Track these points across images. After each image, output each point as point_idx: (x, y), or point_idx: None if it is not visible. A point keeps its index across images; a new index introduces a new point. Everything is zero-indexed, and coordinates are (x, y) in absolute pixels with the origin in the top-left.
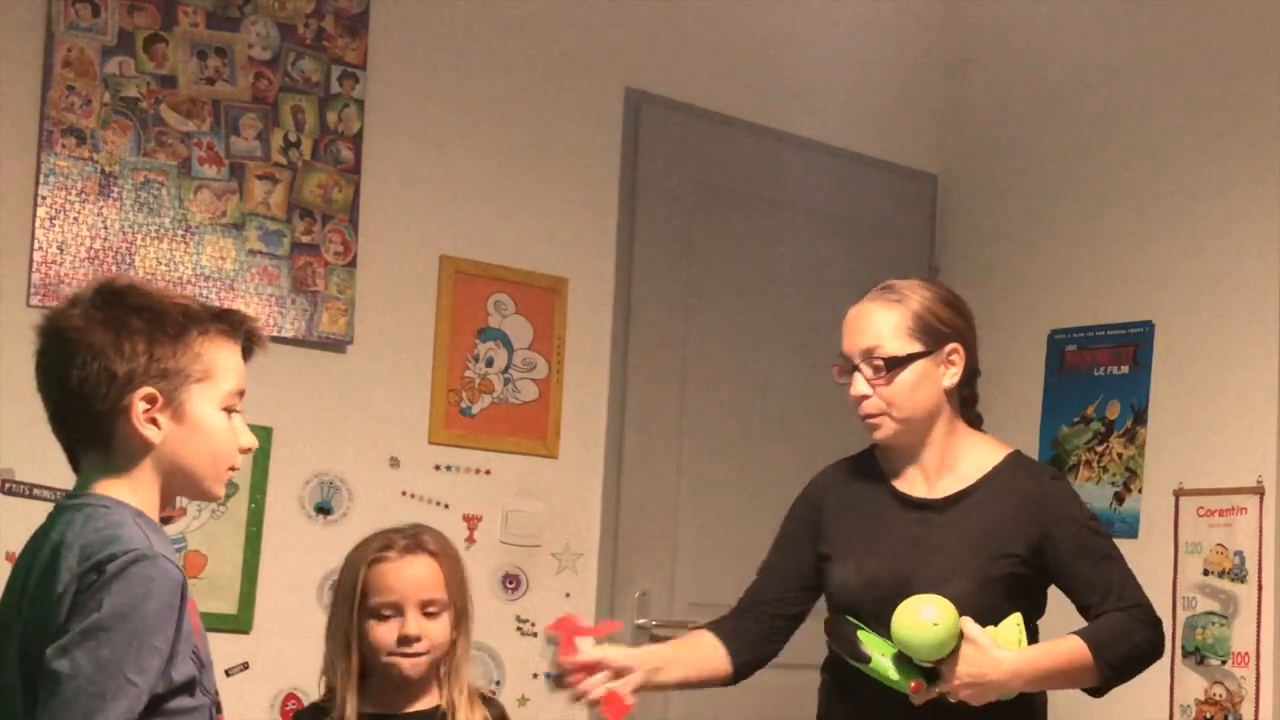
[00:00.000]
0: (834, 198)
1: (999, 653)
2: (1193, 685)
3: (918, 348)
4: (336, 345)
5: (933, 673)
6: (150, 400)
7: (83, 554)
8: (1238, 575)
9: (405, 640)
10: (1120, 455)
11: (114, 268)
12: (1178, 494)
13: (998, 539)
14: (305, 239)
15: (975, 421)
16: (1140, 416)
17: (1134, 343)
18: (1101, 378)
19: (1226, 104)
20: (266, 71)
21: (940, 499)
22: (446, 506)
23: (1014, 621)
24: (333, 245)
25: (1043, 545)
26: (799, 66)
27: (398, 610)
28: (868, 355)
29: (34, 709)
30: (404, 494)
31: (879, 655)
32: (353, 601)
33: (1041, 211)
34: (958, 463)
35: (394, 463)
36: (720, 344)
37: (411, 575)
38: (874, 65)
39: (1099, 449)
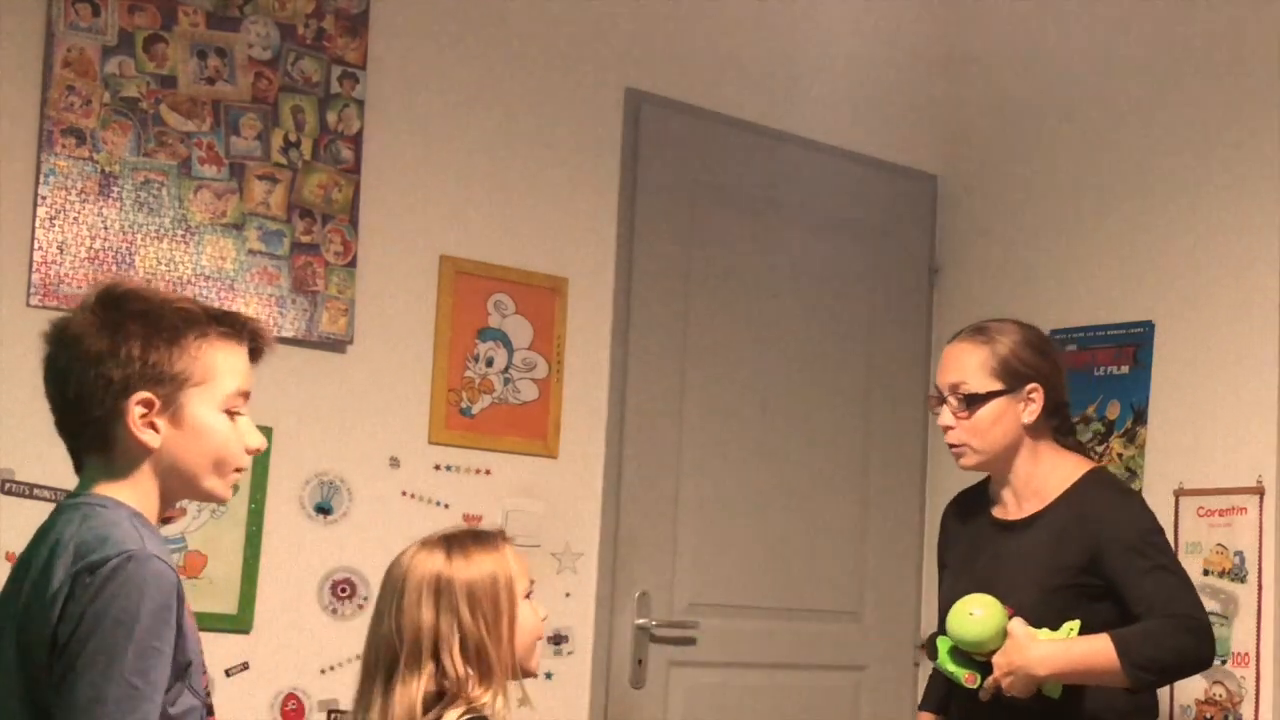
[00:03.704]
0: (834, 198)
1: (1031, 644)
2: (1192, 685)
3: (998, 386)
4: (336, 345)
5: (987, 667)
6: (147, 405)
7: (77, 553)
8: (1238, 575)
9: (544, 619)
10: (1120, 455)
11: (114, 268)
12: (1178, 494)
13: (1057, 552)
14: (305, 239)
15: (1073, 445)
16: (1140, 416)
17: (1134, 343)
18: (1101, 378)
19: (1226, 104)
20: (266, 71)
21: (1021, 519)
22: (446, 506)
23: (1069, 626)
24: (333, 245)
25: (1098, 557)
26: (799, 66)
27: (528, 593)
28: (954, 390)
29: (33, 701)
30: (404, 494)
31: (943, 651)
32: (513, 586)
33: (1041, 211)
34: (1042, 484)
35: (394, 463)
36: (720, 344)
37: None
38: (874, 65)
39: (1099, 449)
